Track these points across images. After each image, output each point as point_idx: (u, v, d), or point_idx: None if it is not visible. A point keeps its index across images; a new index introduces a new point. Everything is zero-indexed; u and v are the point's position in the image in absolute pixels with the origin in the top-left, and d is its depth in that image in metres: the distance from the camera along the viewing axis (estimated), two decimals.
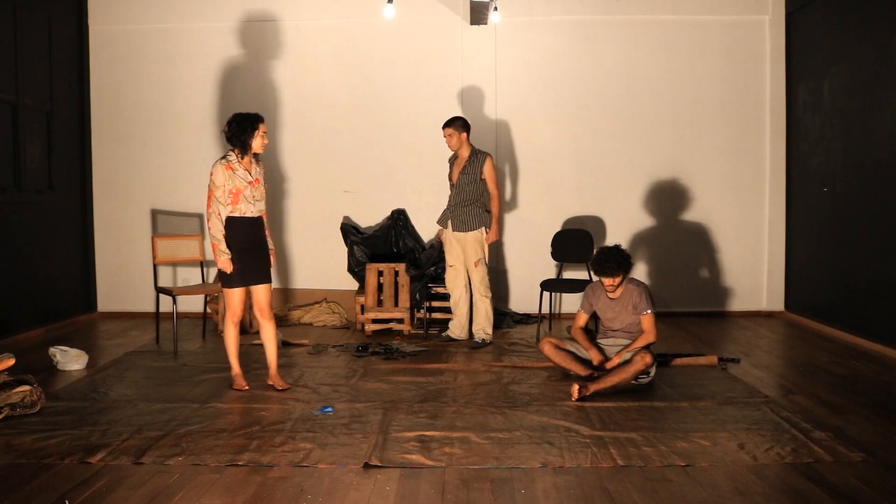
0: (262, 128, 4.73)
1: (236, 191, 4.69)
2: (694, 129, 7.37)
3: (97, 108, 7.45)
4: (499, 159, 7.30)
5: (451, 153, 6.46)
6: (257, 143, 4.73)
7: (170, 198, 7.40)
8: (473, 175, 6.18)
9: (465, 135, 6.17)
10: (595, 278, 5.76)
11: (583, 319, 5.14)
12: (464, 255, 6.24)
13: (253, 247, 4.80)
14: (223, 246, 4.69)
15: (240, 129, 4.69)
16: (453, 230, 6.24)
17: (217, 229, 4.69)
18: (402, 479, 3.44)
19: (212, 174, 4.69)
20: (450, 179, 6.32)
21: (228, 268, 4.70)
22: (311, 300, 7.34)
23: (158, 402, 4.58)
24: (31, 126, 6.55)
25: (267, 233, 4.93)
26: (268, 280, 4.89)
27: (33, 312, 6.61)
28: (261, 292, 4.86)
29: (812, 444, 3.81)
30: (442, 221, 6.37)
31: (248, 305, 5.83)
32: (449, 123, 6.17)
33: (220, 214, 4.69)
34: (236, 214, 4.72)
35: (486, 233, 6.21)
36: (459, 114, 7.03)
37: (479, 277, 6.22)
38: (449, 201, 6.31)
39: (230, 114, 4.84)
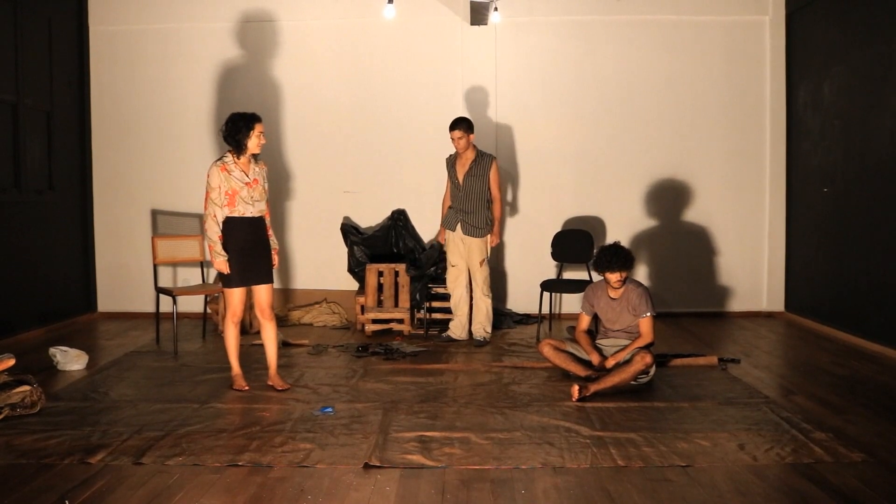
0: (258, 128, 4.70)
1: (232, 192, 4.68)
2: (694, 130, 7.37)
3: (97, 108, 7.45)
4: (499, 160, 7.30)
5: (447, 153, 6.45)
6: (253, 144, 4.70)
7: (170, 198, 7.40)
8: (482, 177, 6.16)
9: (472, 136, 6.16)
10: (596, 278, 5.77)
11: (585, 322, 5.14)
12: (468, 255, 6.23)
13: (253, 247, 4.78)
14: (219, 248, 4.68)
15: (235, 129, 4.67)
16: (464, 233, 6.21)
17: (213, 231, 4.68)
18: (402, 480, 3.44)
19: (208, 176, 4.68)
20: (454, 179, 6.27)
21: (224, 269, 4.69)
22: (311, 300, 7.34)
23: (158, 403, 4.58)
24: (32, 126, 6.55)
25: (270, 232, 4.92)
26: (269, 280, 4.88)
27: (33, 312, 6.61)
28: (262, 292, 4.85)
29: (812, 444, 3.81)
30: (449, 224, 6.30)
31: (249, 305, 5.84)
32: (457, 125, 6.09)
33: (216, 216, 4.68)
34: (235, 215, 4.71)
35: (490, 236, 6.23)
36: (459, 114, 7.01)
37: (483, 277, 6.23)
38: (454, 203, 6.27)
39: (231, 113, 4.82)
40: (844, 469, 3.50)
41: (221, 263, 4.68)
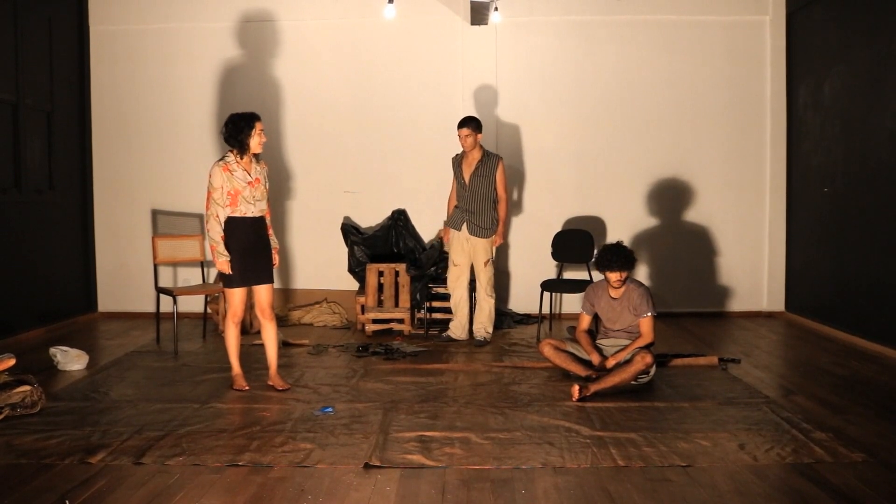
0: (258, 126, 4.70)
1: (235, 192, 4.68)
2: (694, 130, 7.37)
3: (97, 108, 7.45)
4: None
5: (452, 153, 6.45)
6: (255, 143, 4.71)
7: (170, 198, 7.40)
8: (488, 177, 6.16)
9: (479, 135, 6.16)
10: (597, 278, 5.78)
11: (586, 321, 5.14)
12: (473, 255, 6.23)
13: (255, 247, 4.78)
14: (221, 248, 4.68)
15: (236, 129, 4.68)
16: (469, 233, 6.21)
17: (215, 231, 4.68)
18: (403, 480, 3.44)
19: (210, 176, 4.68)
20: (460, 179, 6.25)
21: (227, 269, 4.69)
22: (311, 300, 7.34)
23: (159, 403, 4.58)
24: (32, 126, 6.55)
25: (271, 232, 4.92)
26: (270, 280, 4.87)
27: (34, 312, 6.61)
28: (262, 292, 4.85)
29: (812, 444, 3.81)
30: (454, 223, 6.28)
31: (249, 305, 5.83)
32: (466, 123, 6.10)
33: (218, 216, 4.68)
34: (237, 215, 4.71)
35: (494, 236, 6.23)
36: (460, 114, 7.01)
37: (487, 277, 6.23)
38: (460, 203, 6.26)
39: (230, 114, 4.82)
40: (845, 469, 3.50)
41: (224, 264, 4.68)
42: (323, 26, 7.37)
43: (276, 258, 4.94)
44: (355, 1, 7.30)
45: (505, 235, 6.58)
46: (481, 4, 6.86)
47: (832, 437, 3.90)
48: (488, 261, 6.22)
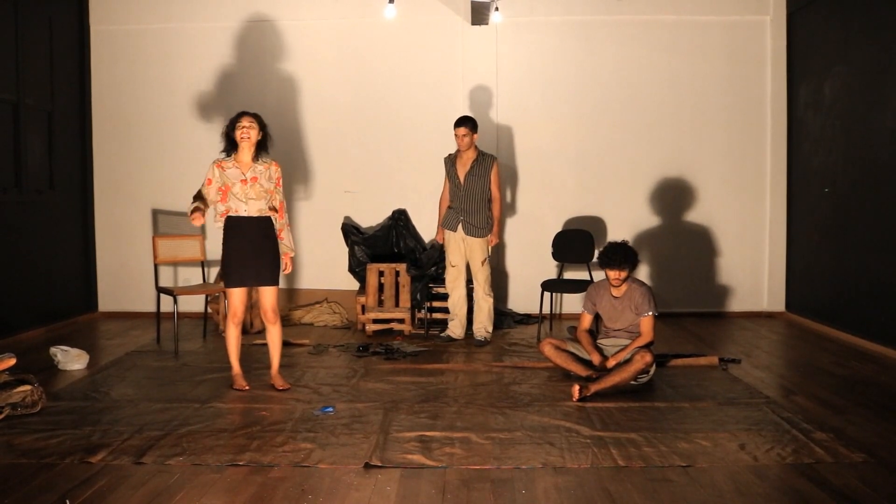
0: (240, 122, 4.71)
1: (224, 188, 4.70)
2: (695, 130, 7.37)
3: (98, 108, 7.45)
4: (500, 160, 7.29)
5: (447, 153, 6.44)
6: (237, 136, 4.71)
7: (171, 198, 7.40)
8: (484, 177, 6.15)
9: (476, 136, 6.16)
10: (597, 278, 5.78)
11: (587, 321, 5.15)
12: (470, 255, 6.23)
13: (254, 247, 4.75)
14: (193, 203, 4.61)
15: (228, 129, 4.75)
16: (465, 234, 6.20)
17: (193, 197, 4.68)
18: (403, 480, 3.44)
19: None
20: (454, 179, 6.25)
21: (199, 220, 4.53)
22: (312, 300, 7.34)
23: (159, 402, 4.58)
24: (33, 126, 6.55)
25: (283, 235, 4.89)
26: (271, 282, 4.83)
27: (34, 312, 6.61)
28: (264, 295, 4.83)
29: (813, 444, 3.81)
30: (450, 224, 6.27)
31: (250, 305, 5.84)
32: (463, 123, 6.10)
33: (200, 195, 4.69)
34: (230, 213, 4.72)
35: (490, 236, 6.23)
36: (460, 114, 7.02)
37: (485, 276, 6.23)
38: (454, 203, 6.25)
39: (230, 114, 4.86)
40: (845, 469, 3.50)
41: (196, 216, 4.53)
42: (323, 26, 7.37)
43: (286, 263, 4.91)
44: (355, 1, 7.30)
45: (501, 234, 6.58)
46: (482, 4, 6.86)
47: (832, 438, 3.90)
48: (485, 260, 6.22)
